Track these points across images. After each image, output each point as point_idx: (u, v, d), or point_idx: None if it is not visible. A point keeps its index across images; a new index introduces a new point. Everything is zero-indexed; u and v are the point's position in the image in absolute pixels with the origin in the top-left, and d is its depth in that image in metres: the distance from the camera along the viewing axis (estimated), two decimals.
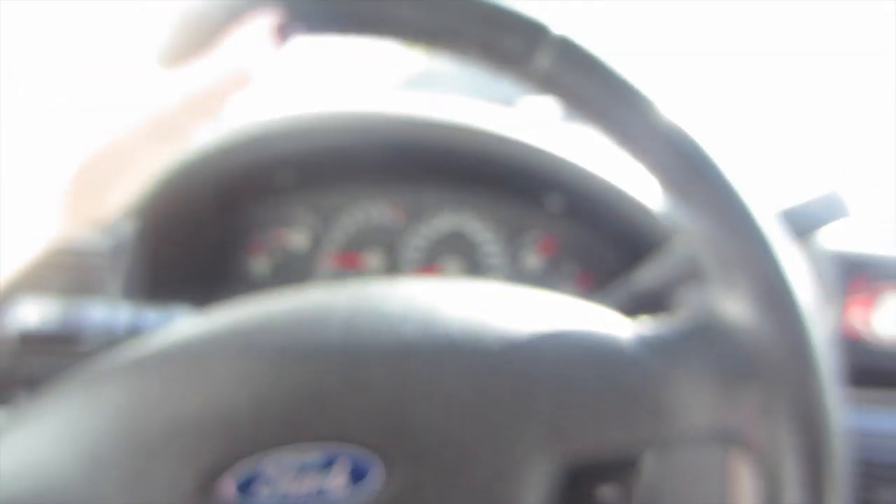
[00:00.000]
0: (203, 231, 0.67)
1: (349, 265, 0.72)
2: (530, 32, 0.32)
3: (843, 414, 0.33)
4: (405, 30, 0.33)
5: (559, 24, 0.33)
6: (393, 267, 0.72)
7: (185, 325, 0.31)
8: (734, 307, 0.33)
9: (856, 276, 0.54)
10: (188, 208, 0.63)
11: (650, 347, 0.34)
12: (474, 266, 0.72)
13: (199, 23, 0.32)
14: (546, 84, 0.33)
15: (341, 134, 0.64)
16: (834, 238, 0.55)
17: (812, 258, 0.49)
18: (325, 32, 0.34)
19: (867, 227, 0.58)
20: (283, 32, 0.33)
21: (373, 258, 0.72)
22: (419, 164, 0.66)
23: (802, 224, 0.45)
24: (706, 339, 0.33)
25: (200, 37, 0.31)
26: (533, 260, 0.71)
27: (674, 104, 0.33)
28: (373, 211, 0.72)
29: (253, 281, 0.72)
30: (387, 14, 0.33)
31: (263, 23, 0.32)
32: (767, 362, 0.32)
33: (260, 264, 0.72)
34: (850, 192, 0.56)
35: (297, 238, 0.72)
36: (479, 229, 0.71)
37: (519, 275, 0.71)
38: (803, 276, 0.33)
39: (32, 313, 0.37)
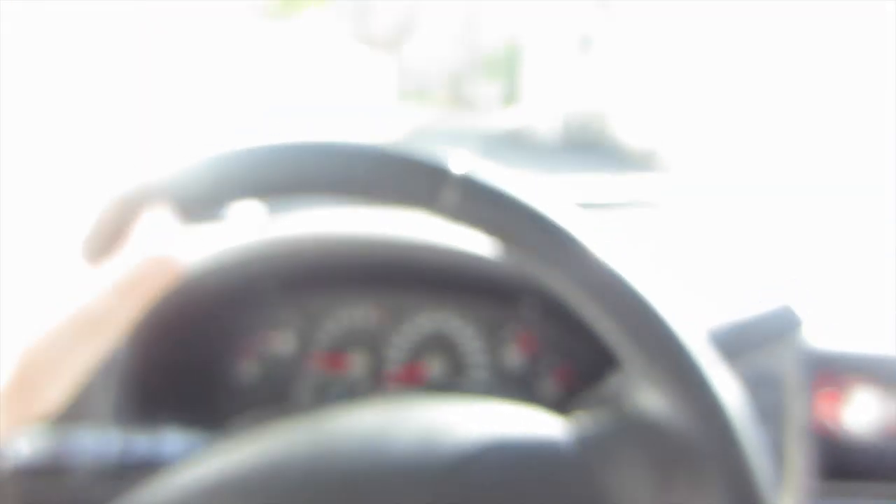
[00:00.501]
0: (190, 342, 0.69)
1: (335, 366, 0.74)
2: (433, 175, 0.36)
3: (774, 491, 0.35)
4: (315, 187, 0.37)
5: (463, 162, 0.37)
6: (378, 366, 0.74)
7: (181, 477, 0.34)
8: (658, 400, 0.35)
9: (824, 372, 0.56)
10: (175, 323, 0.64)
11: (586, 446, 0.37)
12: (456, 364, 0.74)
13: (113, 219, 0.35)
14: (457, 217, 0.36)
15: (325, 253, 0.67)
16: (802, 335, 0.57)
17: (778, 355, 0.51)
18: (239, 200, 0.37)
19: (834, 324, 0.61)
20: (190, 214, 0.36)
21: (358, 358, 0.74)
22: (400, 270, 0.69)
23: (754, 338, 0.47)
24: (637, 432, 0.36)
25: (116, 231, 0.35)
26: (513, 356, 0.73)
27: (581, 223, 0.37)
28: (357, 313, 0.75)
29: (240, 386, 0.73)
30: (295, 177, 0.36)
31: (166, 211, 0.35)
32: (695, 449, 0.34)
33: (247, 368, 0.74)
34: (804, 302, 0.59)
35: (283, 340, 0.74)
36: (460, 327, 0.74)
37: (500, 371, 0.73)
38: (719, 367, 0.36)
39: (25, 444, 0.38)
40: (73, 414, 0.48)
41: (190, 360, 0.69)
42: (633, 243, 0.80)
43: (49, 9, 3.08)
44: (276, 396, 0.72)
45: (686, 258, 0.77)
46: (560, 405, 0.47)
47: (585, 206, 1.00)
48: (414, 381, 0.74)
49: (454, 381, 0.74)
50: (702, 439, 0.34)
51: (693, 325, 0.35)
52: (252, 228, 0.67)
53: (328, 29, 23.63)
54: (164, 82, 4.26)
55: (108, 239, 0.35)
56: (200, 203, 0.36)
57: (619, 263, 0.35)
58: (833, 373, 0.56)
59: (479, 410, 0.39)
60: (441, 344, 0.74)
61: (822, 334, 0.58)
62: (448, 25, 34.40)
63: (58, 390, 0.31)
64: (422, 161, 0.36)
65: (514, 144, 14.81)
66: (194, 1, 5.52)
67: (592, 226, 0.37)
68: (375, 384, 0.74)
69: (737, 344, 0.47)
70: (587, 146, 13.62)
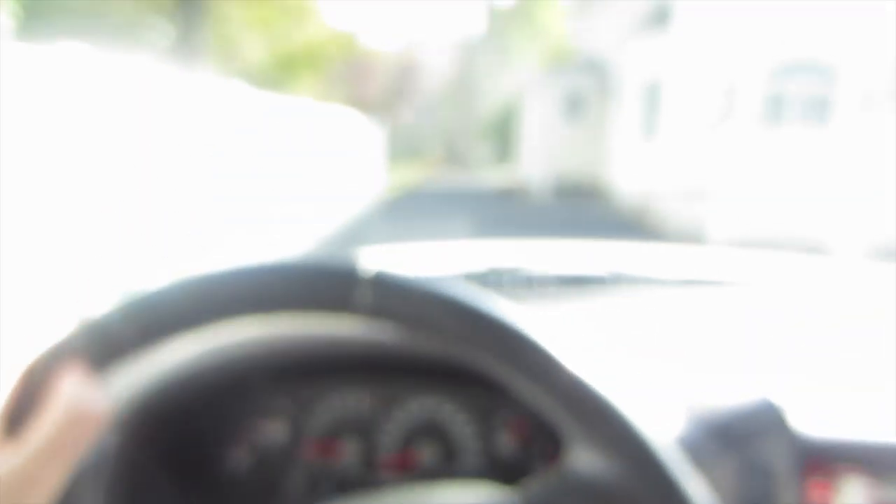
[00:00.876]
0: (181, 434, 0.68)
1: (327, 454, 0.73)
2: (344, 278, 0.37)
3: None
4: (232, 311, 0.38)
5: (372, 263, 0.38)
6: (370, 453, 0.74)
7: None
8: (600, 462, 0.37)
9: (814, 461, 0.56)
10: (166, 416, 0.64)
11: None
12: (448, 450, 0.73)
13: (27, 387, 0.36)
14: (374, 317, 0.38)
15: (318, 344, 0.68)
16: (789, 424, 0.57)
17: (767, 446, 0.51)
18: (159, 342, 0.38)
19: (824, 411, 0.61)
20: (104, 365, 0.37)
21: (350, 446, 0.74)
22: (392, 357, 0.69)
23: (741, 431, 0.48)
24: (580, 495, 0.38)
25: (32, 399, 0.35)
26: (505, 442, 0.73)
27: (491, 305, 0.38)
28: (349, 399, 0.74)
29: (232, 477, 0.72)
30: (210, 303, 0.38)
31: (81, 365, 0.36)
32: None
33: (239, 458, 0.73)
34: (785, 394, 0.60)
35: (275, 428, 0.74)
36: (452, 413, 0.73)
37: (492, 457, 0.73)
38: (659, 430, 0.37)
39: None
40: None
41: (180, 453, 0.68)
42: (591, 322, 0.79)
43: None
44: (268, 487, 0.71)
45: (668, 339, 0.77)
46: None
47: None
48: (406, 469, 0.73)
49: (446, 468, 0.73)
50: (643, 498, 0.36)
51: (623, 387, 0.37)
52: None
53: (322, 94, 24.04)
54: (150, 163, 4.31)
55: (24, 408, 0.35)
56: (119, 351, 0.37)
57: (541, 341, 0.37)
58: (823, 461, 0.56)
59: (427, 494, 0.42)
60: (433, 430, 0.73)
61: (811, 422, 0.58)
62: (442, 88, 35.14)
63: None
64: (330, 267, 0.38)
65: (509, 201, 14.94)
66: (191, 72, 5.62)
67: (507, 308, 0.38)
68: (368, 472, 0.73)
69: (724, 437, 0.47)
70: (579, 203, 13.76)
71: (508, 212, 12.64)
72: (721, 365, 0.69)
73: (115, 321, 0.37)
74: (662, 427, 0.38)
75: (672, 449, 0.38)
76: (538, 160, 16.41)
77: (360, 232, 9.36)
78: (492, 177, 25.34)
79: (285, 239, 7.28)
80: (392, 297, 0.38)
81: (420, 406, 0.74)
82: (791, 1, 10.67)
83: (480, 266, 1.03)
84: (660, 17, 11.83)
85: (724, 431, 0.47)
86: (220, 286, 0.38)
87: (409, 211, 12.45)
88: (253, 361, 0.66)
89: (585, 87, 16.07)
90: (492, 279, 0.97)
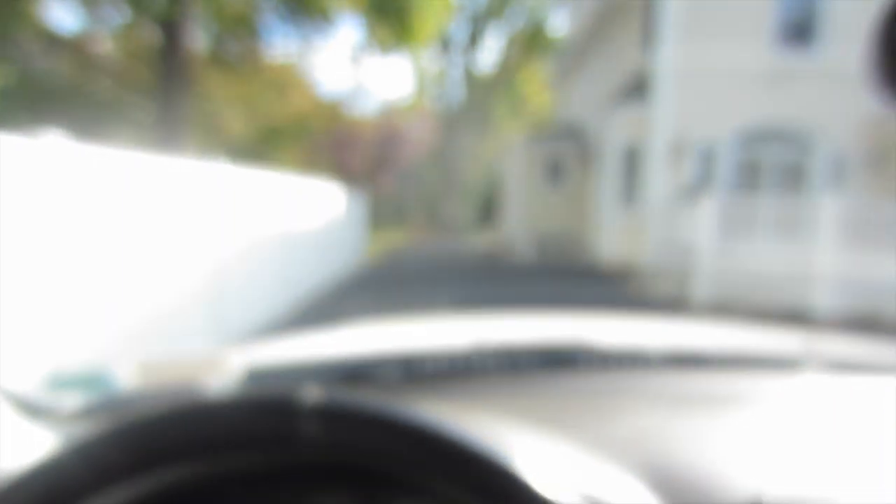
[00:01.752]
0: None
1: None
2: (282, 408, 0.34)
3: None
4: (166, 461, 0.36)
5: (312, 392, 0.35)
6: None
7: None
8: None
9: None
10: None
11: None
12: None
13: None
14: (324, 451, 0.35)
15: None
16: None
17: None
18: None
19: None
20: None
21: None
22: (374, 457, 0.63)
23: None
24: None
25: None
26: None
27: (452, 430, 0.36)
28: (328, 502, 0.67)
29: None
30: (144, 453, 0.36)
31: None
32: None
33: None
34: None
35: None
36: None
37: None
38: None
39: None
40: None
41: None
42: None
43: None
44: None
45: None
46: None
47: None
48: None
49: None
50: None
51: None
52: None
53: (305, 164, 24.36)
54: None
55: None
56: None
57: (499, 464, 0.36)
58: None
59: None
60: None
61: None
62: (424, 155, 35.75)
63: None
64: (267, 402, 0.34)
65: (492, 263, 14.97)
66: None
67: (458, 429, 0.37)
68: None
69: None
70: (562, 264, 13.81)
71: (492, 272, 12.65)
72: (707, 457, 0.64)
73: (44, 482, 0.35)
74: None
75: None
76: (521, 224, 16.56)
77: (340, 300, 9.28)
78: (475, 241, 25.53)
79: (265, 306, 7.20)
80: (342, 428, 0.35)
81: None
82: (764, 71, 11.04)
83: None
84: (638, 86, 12.18)
85: None
86: (151, 435, 0.35)
87: (391, 276, 12.41)
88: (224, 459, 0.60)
89: (566, 152, 16.38)
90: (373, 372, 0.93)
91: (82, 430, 0.47)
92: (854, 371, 1.03)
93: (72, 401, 0.79)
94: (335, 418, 0.35)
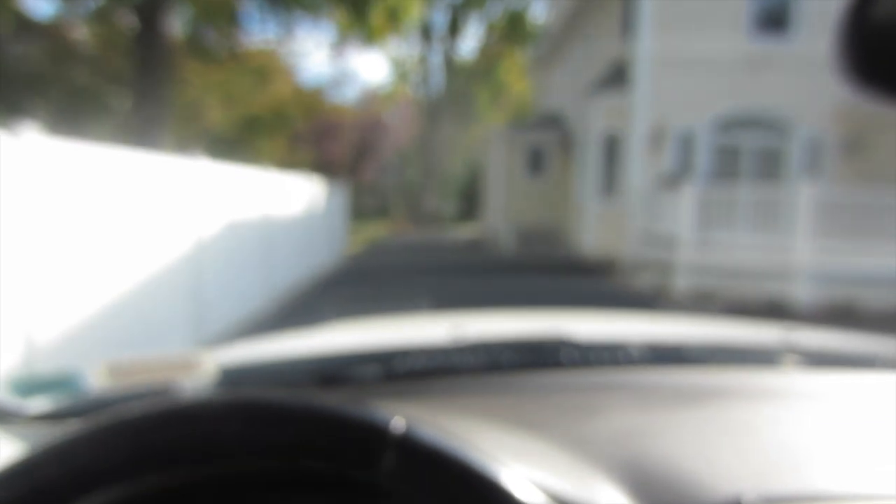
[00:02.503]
0: None
1: None
2: (372, 436, 0.32)
3: None
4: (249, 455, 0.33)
5: (399, 423, 0.32)
6: None
7: None
8: None
9: None
10: None
11: None
12: None
13: None
14: (394, 482, 0.32)
15: None
16: None
17: None
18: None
19: None
20: None
21: None
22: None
23: None
24: None
25: None
26: None
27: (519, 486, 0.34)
28: None
29: None
30: (225, 446, 0.33)
31: None
32: None
33: None
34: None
35: None
36: None
37: None
38: None
39: None
40: None
41: None
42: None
43: None
44: None
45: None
46: None
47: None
48: None
49: None
50: None
51: None
52: None
53: (286, 154, 24.14)
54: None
55: None
56: None
57: None
58: None
59: None
60: None
61: None
62: (406, 145, 35.61)
63: None
64: (359, 422, 0.32)
65: (475, 251, 14.98)
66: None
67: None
68: None
69: None
70: (544, 256, 13.84)
71: (473, 265, 12.65)
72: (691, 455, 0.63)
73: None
74: None
75: None
76: (502, 215, 16.57)
77: (321, 295, 9.24)
78: (458, 232, 25.53)
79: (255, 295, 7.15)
80: (422, 468, 0.33)
81: None
82: (741, 58, 11.10)
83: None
84: (617, 74, 12.19)
85: None
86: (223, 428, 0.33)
87: (371, 271, 12.37)
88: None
89: (547, 141, 16.39)
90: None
91: (51, 433, 0.45)
92: (832, 367, 1.03)
93: (39, 404, 0.77)
94: (415, 455, 0.33)
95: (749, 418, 0.77)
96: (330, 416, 0.33)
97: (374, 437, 0.32)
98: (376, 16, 14.45)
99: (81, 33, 14.01)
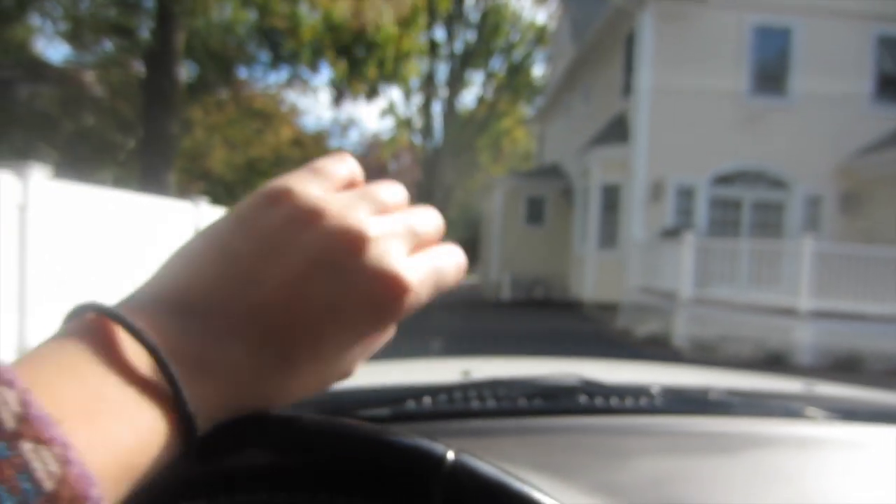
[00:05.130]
0: None
1: None
2: (423, 468, 0.30)
3: None
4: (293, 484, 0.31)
5: (446, 449, 0.31)
6: None
7: None
8: None
9: None
10: None
11: None
12: None
13: None
14: None
15: None
16: None
17: None
18: None
19: None
20: None
21: None
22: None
23: None
24: None
25: None
26: None
27: None
28: None
29: None
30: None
31: None
32: None
33: None
34: None
35: None
36: None
37: None
38: None
39: None
40: None
41: None
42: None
43: None
44: None
45: None
46: None
47: None
48: None
49: None
50: None
51: None
52: None
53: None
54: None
55: None
56: None
57: None
58: None
59: None
60: None
61: None
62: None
63: None
64: (413, 450, 0.31)
65: (475, 305, 14.94)
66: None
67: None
68: None
69: None
70: (545, 305, 13.80)
71: (473, 314, 12.60)
72: None
73: None
74: None
75: None
76: (502, 264, 16.58)
77: None
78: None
79: None
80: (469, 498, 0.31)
81: None
82: (740, 115, 11.28)
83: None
84: (618, 128, 12.36)
85: None
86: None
87: None
88: None
89: (548, 191, 16.52)
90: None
91: None
92: (859, 420, 1.00)
93: None
94: (465, 485, 0.31)
95: (780, 467, 0.75)
96: (387, 443, 0.32)
97: (430, 464, 0.31)
98: (371, 70, 14.72)
99: (90, 77, 14.25)
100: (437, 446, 0.31)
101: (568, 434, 0.83)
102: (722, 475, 0.72)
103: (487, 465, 0.32)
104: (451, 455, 0.31)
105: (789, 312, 8.22)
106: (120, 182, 14.48)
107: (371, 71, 14.69)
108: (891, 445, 0.85)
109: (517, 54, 28.68)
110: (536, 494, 0.32)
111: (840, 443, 0.84)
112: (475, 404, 0.97)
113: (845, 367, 7.74)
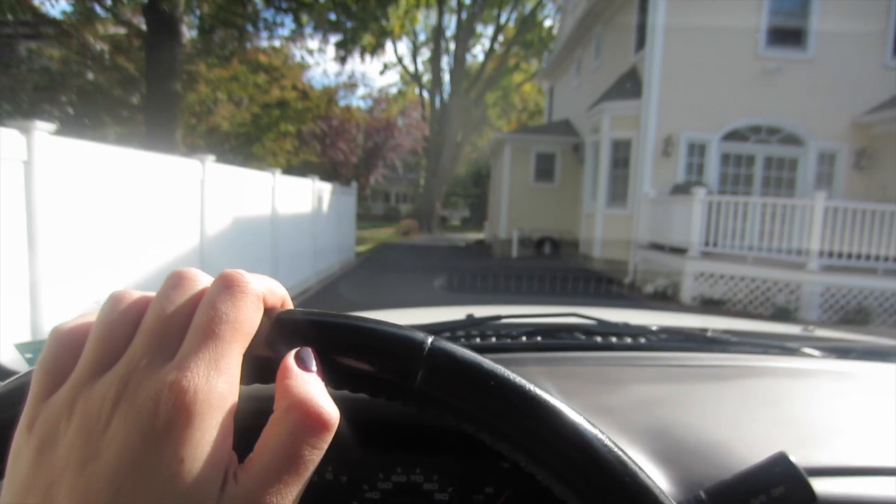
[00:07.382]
0: None
1: None
2: (410, 350, 0.33)
3: None
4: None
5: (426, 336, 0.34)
6: None
7: None
8: None
9: None
10: None
11: None
12: None
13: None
14: (425, 401, 0.33)
15: None
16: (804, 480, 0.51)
17: (783, 496, 0.43)
18: None
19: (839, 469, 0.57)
20: None
21: None
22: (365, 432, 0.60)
23: (755, 488, 0.43)
24: None
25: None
26: None
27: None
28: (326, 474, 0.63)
29: None
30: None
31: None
32: None
33: None
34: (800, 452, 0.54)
35: None
36: (434, 490, 0.62)
37: None
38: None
39: None
40: None
41: None
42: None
43: None
44: None
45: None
46: None
47: None
48: None
49: None
50: None
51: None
52: None
53: (296, 154, 24.20)
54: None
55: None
56: None
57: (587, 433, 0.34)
58: None
59: None
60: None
61: (826, 479, 0.53)
62: (414, 148, 35.65)
63: None
64: (399, 337, 0.34)
65: (484, 263, 14.97)
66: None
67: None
68: None
69: (739, 494, 0.43)
70: (553, 263, 13.81)
71: (481, 261, 12.63)
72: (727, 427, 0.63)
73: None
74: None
75: None
76: (511, 218, 16.54)
77: (328, 299, 9.23)
78: (467, 238, 25.51)
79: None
80: (449, 378, 0.33)
81: (397, 480, 0.63)
82: (755, 69, 11.05)
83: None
84: (630, 82, 12.16)
85: (742, 486, 0.43)
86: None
87: (378, 278, 12.36)
88: None
89: (557, 147, 16.36)
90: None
91: None
92: (855, 357, 1.02)
93: None
94: (442, 363, 0.33)
95: (775, 393, 0.76)
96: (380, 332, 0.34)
97: (413, 347, 0.33)
98: (375, 27, 14.48)
99: (94, 33, 14.07)
100: (418, 334, 0.34)
101: (565, 364, 0.84)
102: (711, 399, 0.72)
103: (463, 349, 0.34)
104: (430, 340, 0.33)
105: (799, 267, 8.18)
106: (124, 139, 14.44)
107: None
108: (882, 377, 0.86)
109: (527, 5, 28.11)
110: (506, 372, 0.34)
111: (831, 373, 0.85)
112: (476, 341, 0.99)
113: (853, 321, 7.73)
